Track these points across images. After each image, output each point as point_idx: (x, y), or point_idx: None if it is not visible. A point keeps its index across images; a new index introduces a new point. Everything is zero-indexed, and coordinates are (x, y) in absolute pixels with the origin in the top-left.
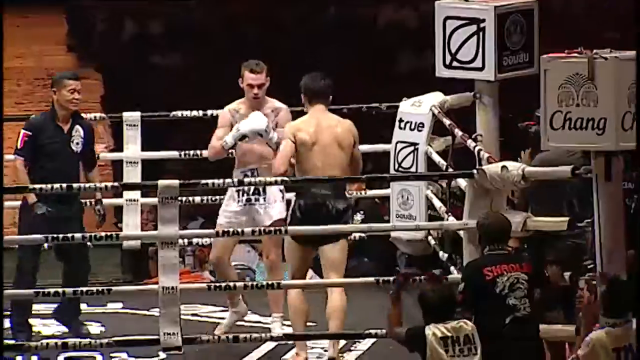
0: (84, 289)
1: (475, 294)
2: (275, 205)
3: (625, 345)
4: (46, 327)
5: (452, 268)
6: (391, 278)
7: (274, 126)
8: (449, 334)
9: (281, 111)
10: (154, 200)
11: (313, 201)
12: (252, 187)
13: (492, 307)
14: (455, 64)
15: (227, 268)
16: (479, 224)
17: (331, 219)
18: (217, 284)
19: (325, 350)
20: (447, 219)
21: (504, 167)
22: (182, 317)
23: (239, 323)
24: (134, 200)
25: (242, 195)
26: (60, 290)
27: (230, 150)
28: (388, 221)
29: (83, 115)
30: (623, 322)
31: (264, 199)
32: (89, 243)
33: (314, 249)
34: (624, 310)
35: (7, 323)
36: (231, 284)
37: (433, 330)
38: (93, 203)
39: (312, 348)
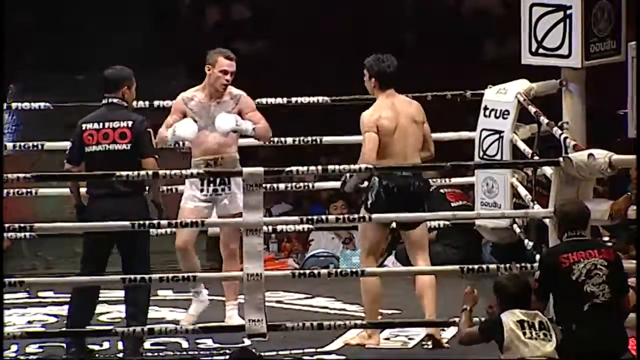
0: (170, 275)
1: (552, 282)
2: (239, 197)
3: None
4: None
5: (537, 257)
6: (475, 266)
7: (236, 113)
8: (525, 318)
9: (241, 97)
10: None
11: (396, 182)
12: (219, 178)
13: (570, 294)
14: (541, 51)
15: (192, 256)
16: (556, 210)
17: (415, 198)
18: (302, 271)
19: (410, 338)
20: (533, 207)
21: (590, 155)
22: (267, 304)
23: (323, 311)
24: None
25: (209, 185)
26: (146, 277)
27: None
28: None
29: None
30: None
31: (229, 188)
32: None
33: (398, 230)
34: None
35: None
36: (315, 271)
37: (510, 316)
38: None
39: (397, 336)
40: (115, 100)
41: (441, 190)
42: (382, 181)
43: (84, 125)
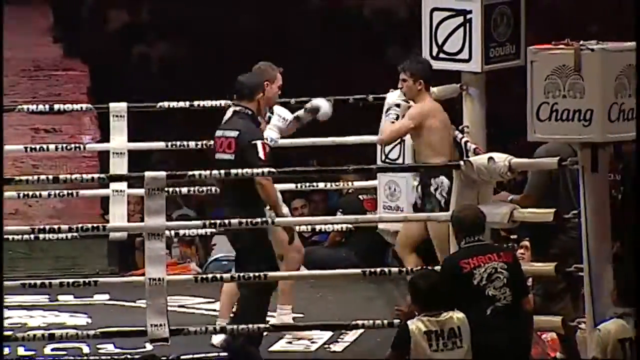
0: (71, 280)
1: (454, 288)
2: None
3: (631, 337)
4: (33, 318)
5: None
6: (378, 270)
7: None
8: (433, 328)
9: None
10: (140, 191)
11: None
12: None
13: (472, 299)
14: (442, 55)
15: None
16: (453, 217)
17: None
18: (204, 276)
19: (313, 342)
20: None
21: (490, 158)
22: (169, 308)
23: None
24: (121, 191)
25: None
26: (46, 282)
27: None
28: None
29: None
30: (631, 313)
31: None
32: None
33: None
34: (633, 300)
35: None
36: (218, 275)
37: (417, 325)
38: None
39: (299, 339)
40: (237, 109)
41: (360, 197)
42: (443, 181)
43: (216, 132)
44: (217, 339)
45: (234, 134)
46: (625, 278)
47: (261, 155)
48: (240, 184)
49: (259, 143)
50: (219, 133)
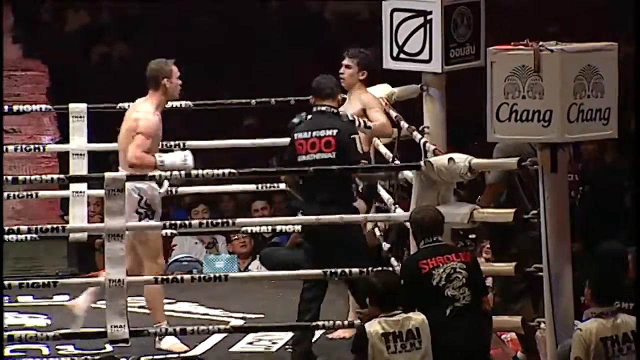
0: (31, 281)
1: (413, 289)
2: None
3: (612, 336)
4: None
5: (392, 259)
6: (339, 270)
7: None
8: (390, 330)
9: None
10: (100, 192)
11: None
12: None
13: (431, 300)
14: (402, 56)
15: None
16: (411, 218)
17: None
18: (165, 277)
19: (274, 342)
20: (394, 211)
21: (450, 159)
22: (129, 309)
23: (186, 316)
24: (81, 192)
25: None
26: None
27: None
28: None
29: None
30: (609, 312)
31: None
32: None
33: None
34: (610, 300)
35: None
36: (179, 276)
37: (375, 328)
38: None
39: (260, 340)
40: (323, 108)
41: None
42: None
43: (295, 135)
44: (166, 343)
45: (332, 132)
46: (599, 278)
47: (359, 149)
48: (337, 181)
49: (356, 137)
50: (303, 135)
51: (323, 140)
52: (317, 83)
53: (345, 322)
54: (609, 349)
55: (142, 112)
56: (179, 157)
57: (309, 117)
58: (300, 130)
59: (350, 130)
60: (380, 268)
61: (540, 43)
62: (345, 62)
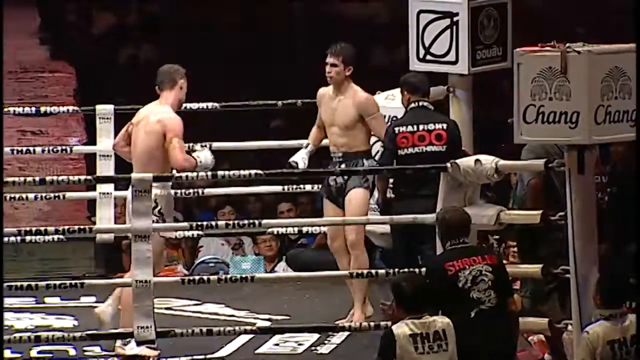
0: (58, 282)
1: (439, 290)
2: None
3: (620, 339)
4: (19, 320)
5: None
6: (365, 271)
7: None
8: (417, 331)
9: None
10: (127, 193)
11: None
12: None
13: (457, 302)
14: (428, 57)
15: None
16: (438, 220)
17: None
18: (191, 278)
19: (300, 344)
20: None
21: (477, 160)
22: (156, 310)
23: (212, 317)
24: (107, 193)
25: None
26: (33, 284)
27: None
28: None
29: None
30: (618, 314)
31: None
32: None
33: None
34: (618, 302)
35: None
36: (205, 277)
37: (402, 329)
38: None
39: (286, 342)
40: (425, 104)
41: None
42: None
43: (396, 129)
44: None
45: (442, 125)
46: (608, 280)
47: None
48: (438, 176)
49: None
50: (407, 128)
51: (433, 133)
52: (417, 81)
53: (372, 324)
54: (617, 352)
55: (165, 114)
56: (209, 154)
57: (407, 112)
58: (403, 124)
59: (456, 125)
60: (407, 270)
61: (567, 44)
62: (330, 60)
